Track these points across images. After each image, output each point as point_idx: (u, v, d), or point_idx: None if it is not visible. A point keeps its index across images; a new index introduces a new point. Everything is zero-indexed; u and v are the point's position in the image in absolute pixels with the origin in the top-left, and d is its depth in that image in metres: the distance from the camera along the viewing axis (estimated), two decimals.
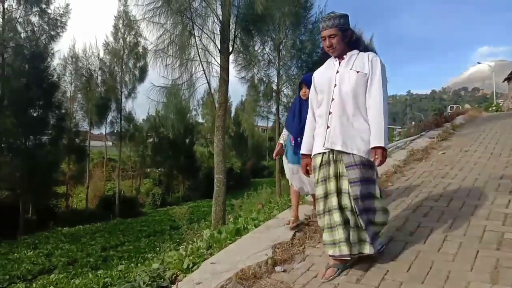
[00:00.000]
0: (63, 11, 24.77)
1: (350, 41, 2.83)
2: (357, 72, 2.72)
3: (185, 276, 3.61)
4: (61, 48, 36.63)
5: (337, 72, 2.80)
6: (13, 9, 22.62)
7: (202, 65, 9.98)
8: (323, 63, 3.09)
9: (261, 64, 14.48)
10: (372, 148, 2.66)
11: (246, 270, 2.98)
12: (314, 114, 3.00)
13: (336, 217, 2.74)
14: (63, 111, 27.84)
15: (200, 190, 39.83)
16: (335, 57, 2.87)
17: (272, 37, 13.78)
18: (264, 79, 15.25)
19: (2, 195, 23.48)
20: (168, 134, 39.58)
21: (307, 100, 3.57)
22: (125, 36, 31.13)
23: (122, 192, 31.73)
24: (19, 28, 23.09)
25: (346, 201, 2.72)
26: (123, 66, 31.04)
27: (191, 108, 33.00)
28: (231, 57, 10.53)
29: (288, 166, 4.21)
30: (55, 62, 27.37)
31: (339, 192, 2.76)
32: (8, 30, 22.24)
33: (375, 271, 2.76)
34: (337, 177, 2.76)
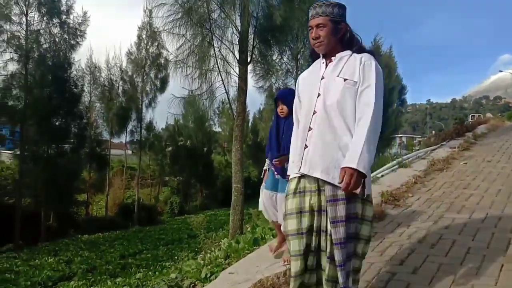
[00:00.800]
0: (81, 20, 25.30)
1: (343, 39, 2.24)
2: (345, 79, 2.14)
3: (203, 286, 3.62)
4: (80, 58, 37.27)
5: (322, 78, 2.23)
6: (35, 21, 23.27)
7: (220, 75, 10.11)
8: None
9: (279, 74, 14.52)
10: (342, 168, 2.03)
11: (264, 281, 2.97)
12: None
13: (310, 260, 2.17)
14: (85, 120, 28.36)
15: (217, 199, 39.96)
16: (322, 58, 2.29)
17: (290, 47, 13.82)
18: (282, 89, 15.27)
19: (25, 202, 23.96)
20: (186, 143, 39.93)
21: (284, 117, 3.40)
22: (148, 47, 31.65)
23: (141, 200, 32.03)
24: (41, 39, 23.74)
25: (323, 243, 2.15)
26: (145, 77, 31.52)
27: (208, 118, 33.30)
28: (249, 67, 10.63)
29: (263, 192, 3.71)
30: (76, 72, 27.91)
31: (317, 231, 2.17)
32: (31, 41, 22.87)
33: (395, 284, 2.71)
34: (318, 211, 2.16)
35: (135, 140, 33.39)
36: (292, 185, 2.26)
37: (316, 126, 2.18)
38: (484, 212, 4.09)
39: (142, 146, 33.06)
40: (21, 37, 22.53)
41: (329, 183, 2.10)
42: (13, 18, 22.29)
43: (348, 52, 2.24)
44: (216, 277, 3.75)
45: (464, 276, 2.70)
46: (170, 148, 41.14)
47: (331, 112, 2.15)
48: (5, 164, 27.18)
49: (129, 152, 36.74)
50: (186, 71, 9.91)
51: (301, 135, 2.25)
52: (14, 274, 14.70)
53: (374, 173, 6.67)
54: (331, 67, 2.23)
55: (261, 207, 3.75)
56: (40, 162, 23.70)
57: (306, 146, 2.20)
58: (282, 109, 3.43)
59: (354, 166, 1.97)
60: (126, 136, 32.94)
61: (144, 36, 31.61)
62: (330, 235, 2.07)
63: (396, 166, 7.36)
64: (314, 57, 2.41)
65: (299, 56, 14.36)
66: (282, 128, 3.41)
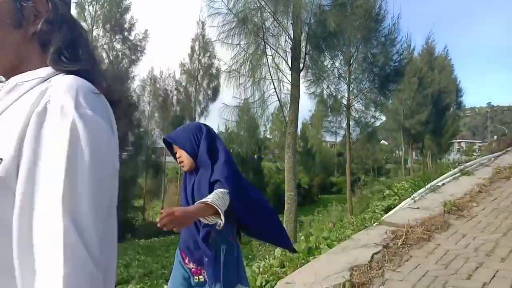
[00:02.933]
0: (142, 36, 26.62)
1: (38, 35, 0.79)
2: None
3: None
4: (139, 70, 39.58)
5: None
6: (99, 37, 24.70)
7: (273, 83, 10.16)
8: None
9: (331, 79, 14.33)
10: None
11: None
12: None
13: None
14: (142, 129, 29.57)
15: None
16: None
17: (342, 51, 13.61)
18: (333, 94, 15.08)
19: None
20: (237, 149, 40.48)
21: (191, 172, 2.07)
22: (200, 57, 32.67)
23: None
24: (103, 54, 25.13)
25: None
26: (197, 86, 32.54)
27: (260, 125, 33.65)
28: (301, 74, 10.58)
29: None
30: (135, 84, 29.43)
31: None
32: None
33: None
34: None
35: None
36: None
37: None
38: None
39: None
40: None
41: None
42: None
43: (41, 72, 0.78)
44: (271, 286, 3.74)
45: None
46: None
47: None
48: None
49: None
50: (239, 80, 10.07)
51: None
52: None
53: (435, 181, 6.40)
54: None
55: None
56: None
57: None
58: (180, 156, 2.07)
59: None
60: None
61: (197, 47, 32.65)
62: None
63: (458, 174, 7.02)
64: None
65: (352, 60, 14.12)
66: (191, 190, 2.04)
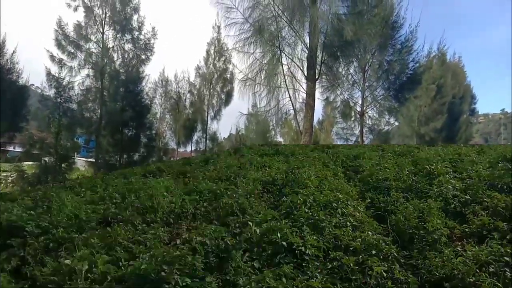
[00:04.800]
0: (151, 34, 26.55)
1: None
2: None
3: None
4: (151, 72, 39.82)
5: None
6: (109, 39, 24.89)
7: (288, 92, 10.14)
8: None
9: (345, 86, 14.21)
10: None
11: None
12: None
13: None
14: (154, 131, 29.68)
15: None
16: None
17: (357, 58, 13.48)
18: (347, 100, 14.96)
19: None
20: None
21: None
22: (215, 61, 32.83)
23: None
24: (114, 55, 25.29)
25: None
26: (211, 90, 32.69)
27: (271, 130, 33.76)
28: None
29: None
30: (147, 86, 29.53)
31: None
32: (106, 57, 24.39)
33: None
34: None
35: (199, 149, 34.54)
36: None
37: None
38: None
39: None
40: (97, 54, 24.14)
41: None
42: (91, 37, 24.00)
43: None
44: None
45: None
46: None
47: None
48: (80, 172, 28.93)
49: None
50: (254, 88, 10.05)
51: None
52: None
53: None
54: None
55: None
56: (112, 171, 25.04)
57: None
58: None
59: None
60: (191, 146, 34.16)
61: (212, 52, 32.82)
62: None
63: None
64: None
65: (366, 67, 14.00)
66: None
